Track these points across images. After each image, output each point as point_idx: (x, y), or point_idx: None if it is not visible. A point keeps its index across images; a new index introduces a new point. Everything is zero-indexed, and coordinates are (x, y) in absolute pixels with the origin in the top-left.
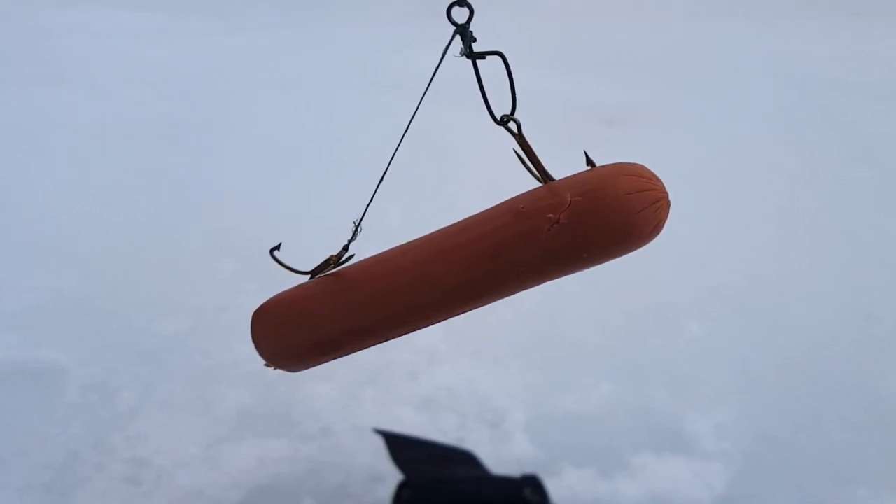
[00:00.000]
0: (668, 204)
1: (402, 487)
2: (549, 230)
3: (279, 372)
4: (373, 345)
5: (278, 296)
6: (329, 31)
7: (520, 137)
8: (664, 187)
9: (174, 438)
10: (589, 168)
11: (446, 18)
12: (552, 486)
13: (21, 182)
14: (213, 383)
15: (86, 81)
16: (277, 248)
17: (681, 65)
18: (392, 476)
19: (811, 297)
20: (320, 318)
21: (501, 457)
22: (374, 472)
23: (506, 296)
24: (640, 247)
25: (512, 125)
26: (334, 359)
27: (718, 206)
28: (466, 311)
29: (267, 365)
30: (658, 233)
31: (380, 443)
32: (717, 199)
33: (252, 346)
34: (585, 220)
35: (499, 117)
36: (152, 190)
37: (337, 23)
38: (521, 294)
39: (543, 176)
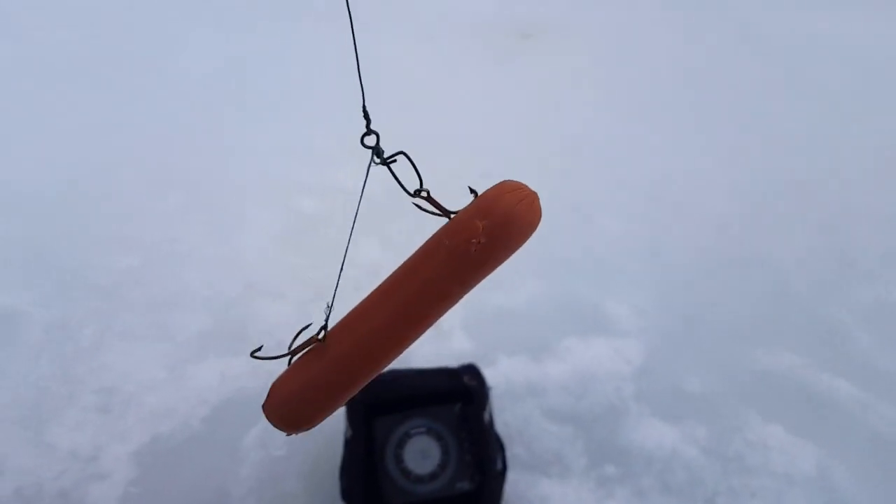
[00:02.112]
0: (538, 199)
1: None
2: (475, 251)
3: (232, 295)
4: (375, 375)
5: (277, 381)
6: None
7: (433, 202)
8: (531, 189)
9: (139, 365)
10: (474, 196)
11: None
12: (489, 374)
13: None
14: (170, 311)
15: (14, 26)
16: (258, 349)
17: None
18: None
19: (712, 185)
20: (319, 384)
21: (442, 353)
22: None
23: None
24: (532, 234)
25: (422, 198)
26: (343, 404)
27: (630, 109)
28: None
29: (288, 434)
30: (540, 220)
31: None
32: (629, 103)
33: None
34: (496, 234)
35: (412, 192)
36: (94, 130)
37: None
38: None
39: (446, 213)
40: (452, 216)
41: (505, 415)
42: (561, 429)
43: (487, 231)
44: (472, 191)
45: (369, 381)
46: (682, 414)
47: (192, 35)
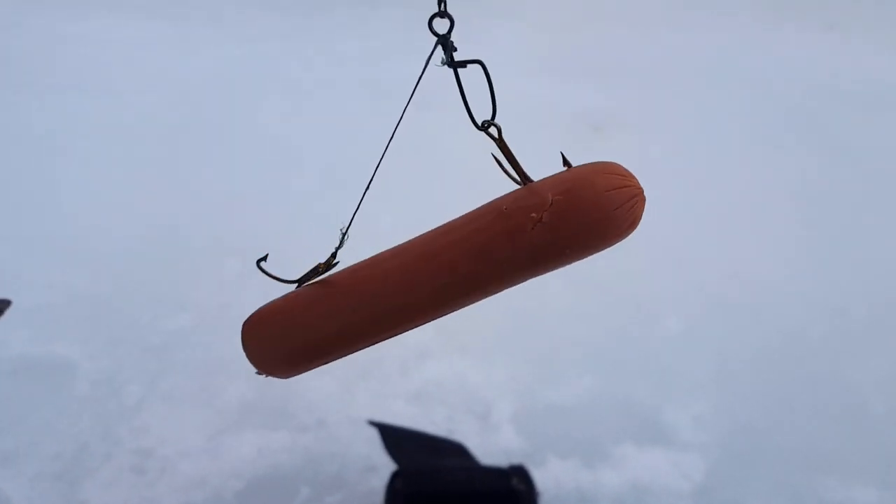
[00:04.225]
0: (643, 199)
1: (395, 476)
2: (533, 229)
3: None
4: (363, 347)
5: (267, 305)
6: (329, 40)
7: (500, 142)
8: (639, 183)
9: (178, 430)
10: (566, 168)
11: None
12: (537, 476)
13: (37, 184)
14: (215, 377)
15: (99, 88)
16: (264, 258)
17: (666, 73)
18: (385, 466)
19: (785, 293)
20: (310, 325)
21: (489, 447)
22: (367, 462)
23: (491, 294)
24: (618, 241)
25: (493, 130)
26: (325, 363)
27: (700, 207)
28: (453, 311)
29: (258, 373)
30: (634, 228)
31: (374, 434)
32: (699, 201)
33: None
34: (567, 217)
35: (480, 123)
36: (161, 192)
37: (337, 32)
38: (506, 291)
39: (523, 178)
40: (528, 183)
41: None
42: None
43: (557, 209)
44: (564, 159)
45: (368, 341)
46: None
47: (265, 107)
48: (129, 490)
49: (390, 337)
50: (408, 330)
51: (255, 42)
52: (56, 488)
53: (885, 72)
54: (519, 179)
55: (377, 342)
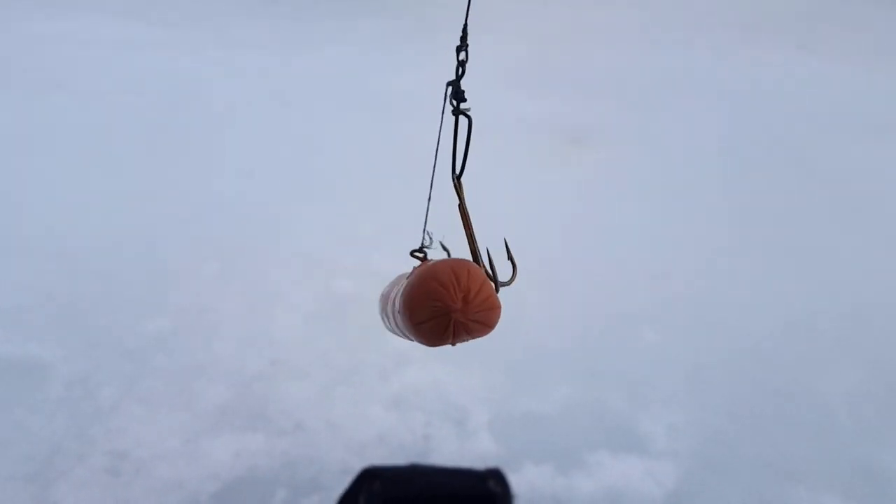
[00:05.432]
0: (451, 321)
1: (373, 478)
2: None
3: (257, 370)
4: None
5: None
6: (317, 48)
7: (461, 202)
8: (456, 303)
9: (154, 432)
10: (428, 262)
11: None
12: (513, 480)
13: (15, 184)
14: (193, 380)
15: (78, 89)
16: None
17: (643, 88)
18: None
19: (757, 307)
20: None
21: (466, 453)
22: (345, 465)
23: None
24: (442, 345)
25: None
26: None
27: (675, 221)
28: None
29: None
30: (449, 341)
31: (351, 438)
32: (675, 215)
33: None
34: (400, 308)
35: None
36: (140, 194)
37: (325, 40)
38: None
39: (470, 243)
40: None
41: None
42: None
43: (395, 308)
44: (443, 247)
45: None
46: None
47: (246, 111)
48: (103, 492)
49: None
50: None
51: (237, 48)
52: (28, 490)
53: (850, 91)
54: (468, 237)
55: None
